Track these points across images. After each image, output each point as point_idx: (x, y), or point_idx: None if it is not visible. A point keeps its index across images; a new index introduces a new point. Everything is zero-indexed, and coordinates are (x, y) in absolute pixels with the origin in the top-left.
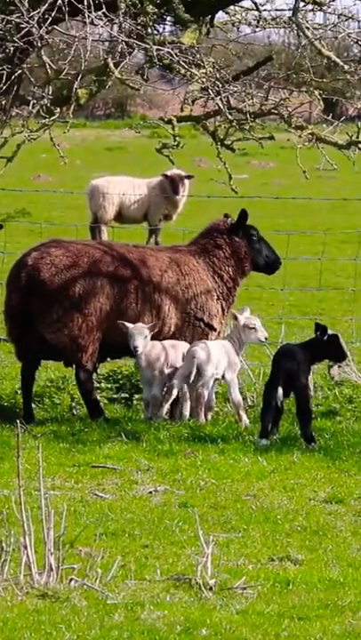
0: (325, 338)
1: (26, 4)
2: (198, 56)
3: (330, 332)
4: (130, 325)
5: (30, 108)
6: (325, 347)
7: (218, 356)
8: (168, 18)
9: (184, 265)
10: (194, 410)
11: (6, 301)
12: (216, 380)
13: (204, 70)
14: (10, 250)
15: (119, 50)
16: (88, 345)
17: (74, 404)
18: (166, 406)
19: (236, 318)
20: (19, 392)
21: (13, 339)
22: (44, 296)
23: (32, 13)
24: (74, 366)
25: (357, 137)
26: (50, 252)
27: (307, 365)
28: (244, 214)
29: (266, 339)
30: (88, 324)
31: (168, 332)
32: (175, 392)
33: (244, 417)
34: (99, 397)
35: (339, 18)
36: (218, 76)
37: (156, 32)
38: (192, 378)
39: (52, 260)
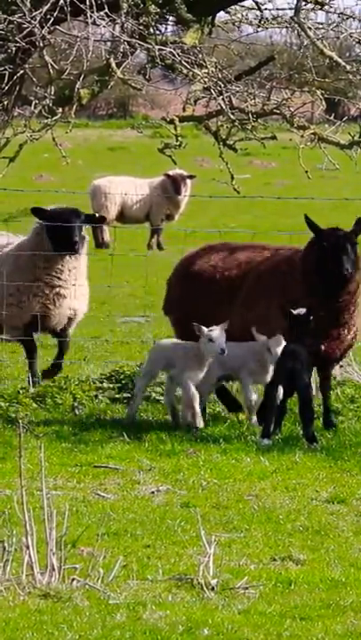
0: (311, 317)
1: (28, 4)
2: (200, 56)
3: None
4: (204, 328)
5: (32, 108)
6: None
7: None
8: (170, 18)
9: (283, 267)
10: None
11: None
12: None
13: (206, 70)
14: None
15: (121, 50)
16: None
17: (76, 404)
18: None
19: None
20: (20, 392)
21: None
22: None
23: (34, 13)
24: None
25: (359, 137)
26: (190, 252)
27: (310, 364)
28: (308, 220)
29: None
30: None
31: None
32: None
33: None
34: (100, 397)
35: (340, 17)
36: (220, 75)
37: (158, 32)
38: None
39: (182, 261)
